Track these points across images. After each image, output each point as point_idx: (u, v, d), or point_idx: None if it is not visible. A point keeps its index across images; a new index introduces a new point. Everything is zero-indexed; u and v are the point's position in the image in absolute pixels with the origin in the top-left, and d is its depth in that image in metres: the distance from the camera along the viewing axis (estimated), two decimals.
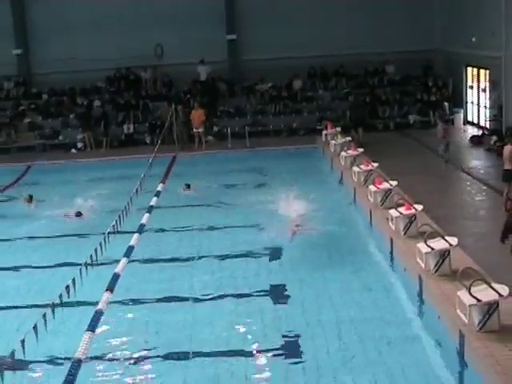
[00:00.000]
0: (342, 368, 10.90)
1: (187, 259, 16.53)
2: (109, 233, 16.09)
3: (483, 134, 28.89)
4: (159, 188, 22.17)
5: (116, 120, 33.60)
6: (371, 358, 11.13)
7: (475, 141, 27.88)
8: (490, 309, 10.48)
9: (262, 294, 14.05)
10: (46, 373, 11.24)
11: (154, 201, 20.29)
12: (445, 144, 24.60)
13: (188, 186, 23.22)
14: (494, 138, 26.27)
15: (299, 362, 11.30)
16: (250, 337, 12.18)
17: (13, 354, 9.72)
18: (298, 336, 12.12)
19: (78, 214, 20.61)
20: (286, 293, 14.01)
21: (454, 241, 13.16)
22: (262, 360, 11.48)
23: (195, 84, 34.93)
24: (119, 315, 13.37)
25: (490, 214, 18.11)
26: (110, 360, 11.65)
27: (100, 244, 15.16)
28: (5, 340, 11.85)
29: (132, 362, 11.61)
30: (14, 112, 34.50)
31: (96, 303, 12.38)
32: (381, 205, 17.58)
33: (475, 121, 31.82)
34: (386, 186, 17.96)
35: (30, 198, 22.38)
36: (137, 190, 20.88)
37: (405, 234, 15.16)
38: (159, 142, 27.83)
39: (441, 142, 24.74)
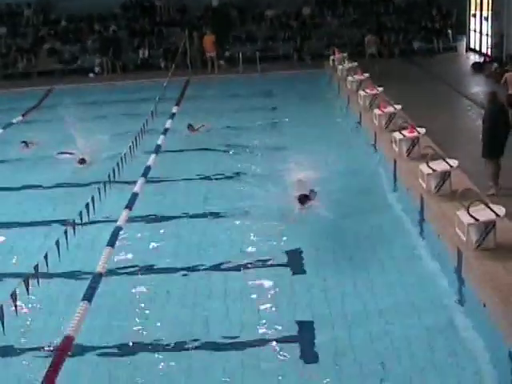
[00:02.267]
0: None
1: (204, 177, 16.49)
2: (125, 154, 16.10)
3: (485, 60, 28.47)
4: (174, 110, 22.08)
5: (131, 45, 33.26)
6: (374, 271, 11.15)
7: (477, 67, 27.51)
8: (487, 228, 10.45)
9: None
10: (67, 286, 11.31)
11: (168, 123, 20.25)
12: None
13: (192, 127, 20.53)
14: (495, 65, 25.88)
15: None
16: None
17: (36, 267, 9.79)
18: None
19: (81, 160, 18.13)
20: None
21: (454, 163, 13.08)
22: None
23: (207, 10, 34.39)
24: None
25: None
26: (129, 274, 11.70)
27: (117, 164, 15.18)
28: (29, 256, 11.89)
29: (150, 273, 11.66)
30: (33, 38, 34.15)
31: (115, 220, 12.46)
32: (385, 128, 17.45)
33: (477, 48, 31.35)
34: (390, 109, 17.82)
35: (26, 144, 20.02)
36: (152, 113, 20.80)
37: (408, 155, 15.08)
38: (173, 66, 27.59)
39: None
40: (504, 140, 13.42)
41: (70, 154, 17.83)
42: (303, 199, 13.49)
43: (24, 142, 19.73)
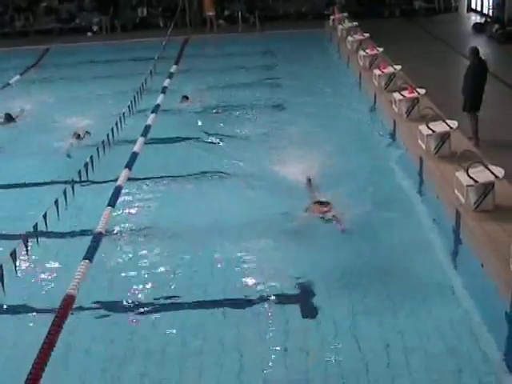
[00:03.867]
0: None
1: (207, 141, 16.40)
2: (124, 113, 16.02)
3: (486, 21, 28.22)
4: (172, 70, 21.91)
5: (130, 4, 32.91)
6: (369, 237, 11.18)
7: (478, 28, 27.27)
8: (486, 189, 10.46)
9: None
10: (67, 246, 11.33)
11: (166, 82, 20.12)
12: None
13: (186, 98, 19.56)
14: (496, 26, 25.65)
15: None
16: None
17: (35, 227, 9.79)
18: None
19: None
20: None
21: (454, 124, 13.05)
22: None
23: None
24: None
25: (490, 98, 17.85)
26: (130, 234, 11.72)
27: (116, 124, 15.10)
28: (28, 216, 11.86)
29: (150, 234, 11.69)
30: None
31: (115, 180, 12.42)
32: (385, 88, 17.36)
33: (478, 9, 31.04)
34: (390, 70, 17.71)
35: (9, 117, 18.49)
36: (151, 72, 20.65)
37: (407, 116, 15.03)
38: (172, 25, 27.35)
39: None
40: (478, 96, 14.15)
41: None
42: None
43: (8, 114, 18.48)
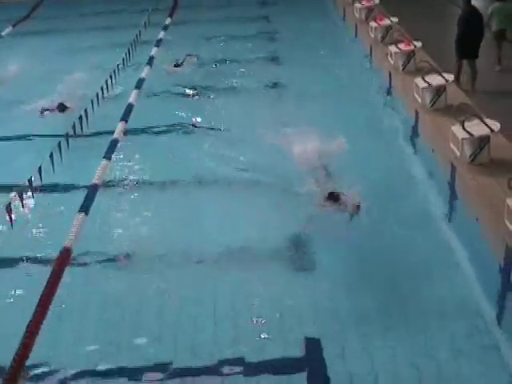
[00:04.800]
0: None
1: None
2: (118, 66, 15.90)
3: None
4: (167, 22, 21.70)
5: None
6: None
7: None
8: (482, 143, 10.44)
9: None
10: (63, 197, 11.32)
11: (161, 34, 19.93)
12: None
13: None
14: None
15: None
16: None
17: (30, 180, 9.79)
18: None
19: None
20: None
21: (450, 77, 12.97)
22: None
23: None
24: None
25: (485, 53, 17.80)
26: (126, 186, 11.71)
27: (110, 76, 15.02)
28: (23, 170, 11.81)
29: (146, 186, 11.68)
30: None
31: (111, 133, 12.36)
32: (381, 41, 17.20)
33: None
34: (386, 22, 17.49)
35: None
36: (145, 24, 20.43)
37: (403, 69, 14.92)
38: None
39: None
40: (477, 43, 14.28)
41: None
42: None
43: None
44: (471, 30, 14.30)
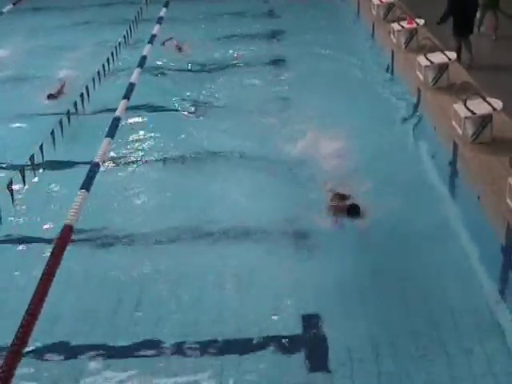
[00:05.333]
0: None
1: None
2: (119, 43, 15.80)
3: None
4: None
5: None
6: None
7: None
8: (484, 121, 10.41)
9: None
10: (65, 175, 11.31)
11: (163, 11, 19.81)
12: None
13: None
14: None
15: None
16: None
17: (32, 158, 9.77)
18: None
19: None
20: None
21: (452, 55, 12.91)
22: None
23: None
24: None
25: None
26: (127, 164, 11.69)
27: (112, 54, 14.94)
28: (24, 147, 11.76)
29: (148, 165, 11.66)
30: None
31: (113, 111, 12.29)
32: (383, 18, 17.08)
33: None
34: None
35: None
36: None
37: (406, 47, 14.84)
38: None
39: None
40: (470, 20, 14.26)
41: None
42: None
43: None
44: (459, 5, 14.09)
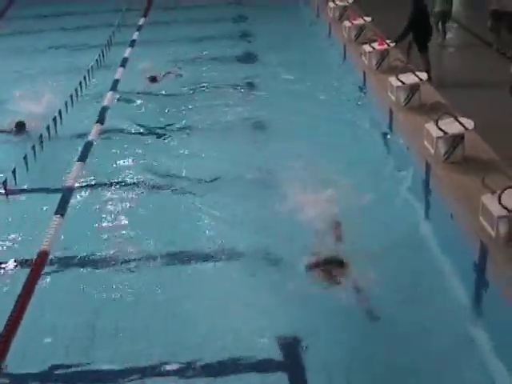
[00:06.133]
0: None
1: None
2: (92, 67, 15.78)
3: None
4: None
5: None
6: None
7: None
8: (456, 141, 10.53)
9: None
10: (38, 201, 11.22)
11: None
12: None
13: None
14: None
15: None
16: None
17: (5, 183, 9.71)
18: None
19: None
20: None
21: (424, 76, 13.07)
22: None
23: None
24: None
25: (460, 48, 17.98)
26: (100, 185, 11.65)
27: (84, 78, 14.92)
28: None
29: (124, 187, 11.64)
30: None
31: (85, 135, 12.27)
32: (355, 40, 17.26)
33: None
34: (360, 21, 17.55)
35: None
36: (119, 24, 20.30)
37: (377, 68, 15.00)
38: None
39: None
40: (426, 39, 15.25)
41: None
42: None
43: None
44: (419, 27, 15.09)
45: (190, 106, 15.12)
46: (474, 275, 8.56)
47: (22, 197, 11.13)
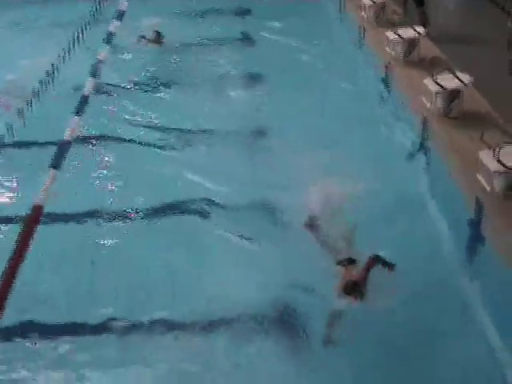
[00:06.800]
0: None
1: None
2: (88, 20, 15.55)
3: None
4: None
5: None
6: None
7: None
8: (454, 96, 10.42)
9: None
10: (34, 156, 11.13)
11: None
12: None
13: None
14: None
15: None
16: None
17: (2, 138, 9.62)
18: None
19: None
20: None
21: (422, 30, 12.91)
22: None
23: None
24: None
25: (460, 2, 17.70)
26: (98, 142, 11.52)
27: (81, 28, 14.69)
28: None
29: (120, 142, 11.52)
30: None
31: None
32: None
33: None
34: None
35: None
36: None
37: (376, 22, 14.79)
38: None
39: None
40: None
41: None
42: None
43: None
44: None
45: (187, 61, 14.93)
46: (470, 230, 8.53)
47: (17, 150, 11.01)
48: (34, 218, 7.68)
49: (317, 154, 10.09)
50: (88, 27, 15.25)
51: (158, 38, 16.03)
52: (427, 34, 13.36)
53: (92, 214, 9.54)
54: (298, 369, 7.00)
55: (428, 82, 10.71)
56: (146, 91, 13.61)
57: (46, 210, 7.95)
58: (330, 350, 7.11)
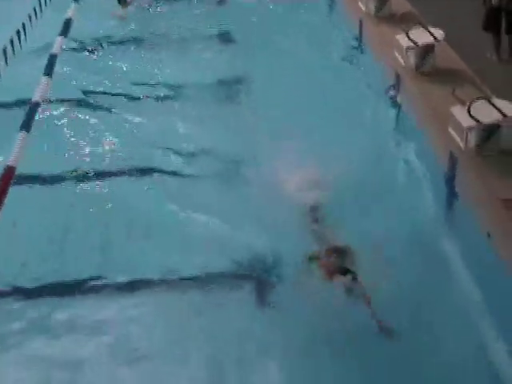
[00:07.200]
0: None
1: None
2: None
3: None
4: None
5: None
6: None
7: None
8: (426, 52, 10.39)
9: None
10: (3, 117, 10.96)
11: None
12: None
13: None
14: None
15: None
16: None
17: None
18: None
19: None
20: None
21: None
22: None
23: None
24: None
25: None
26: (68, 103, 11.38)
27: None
28: None
29: (90, 103, 11.38)
30: None
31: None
32: None
33: None
34: None
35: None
36: None
37: None
38: None
39: None
40: None
41: None
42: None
43: None
44: None
45: (160, 25, 14.70)
46: (444, 186, 8.58)
47: None
48: (7, 178, 7.62)
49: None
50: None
51: None
52: None
53: (64, 176, 9.45)
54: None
55: (400, 38, 10.66)
56: (116, 49, 13.39)
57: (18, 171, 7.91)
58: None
